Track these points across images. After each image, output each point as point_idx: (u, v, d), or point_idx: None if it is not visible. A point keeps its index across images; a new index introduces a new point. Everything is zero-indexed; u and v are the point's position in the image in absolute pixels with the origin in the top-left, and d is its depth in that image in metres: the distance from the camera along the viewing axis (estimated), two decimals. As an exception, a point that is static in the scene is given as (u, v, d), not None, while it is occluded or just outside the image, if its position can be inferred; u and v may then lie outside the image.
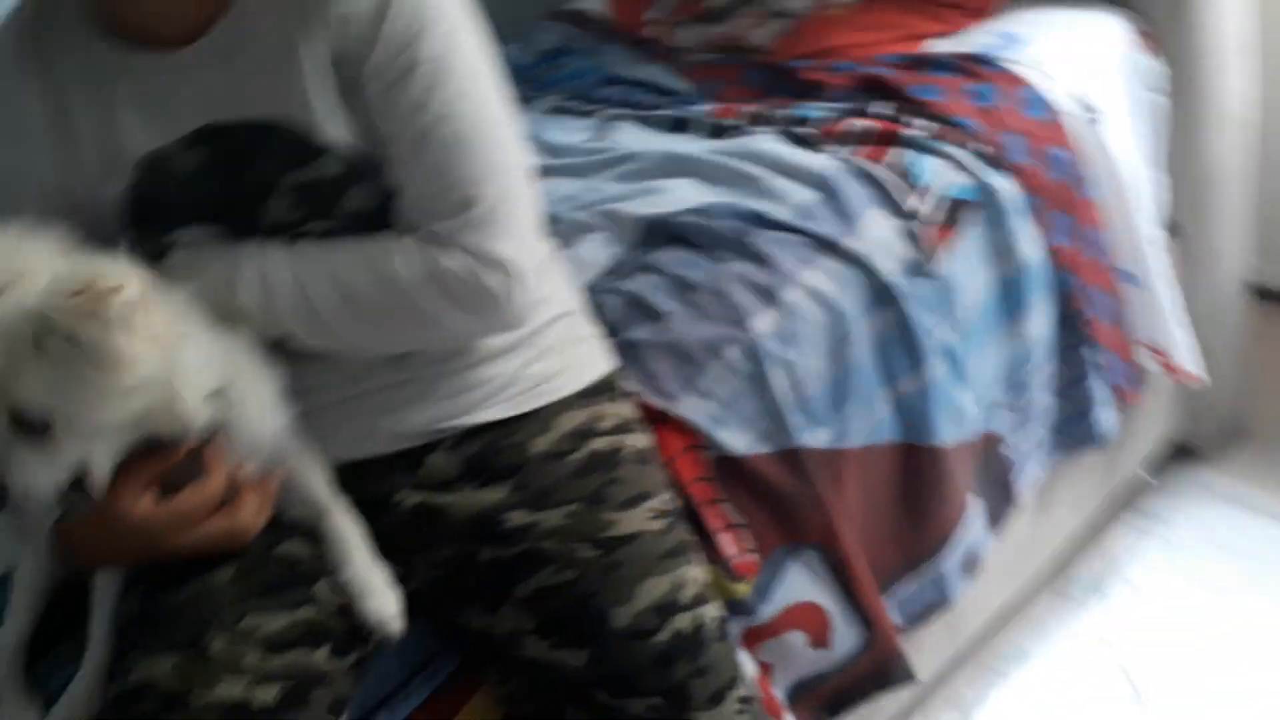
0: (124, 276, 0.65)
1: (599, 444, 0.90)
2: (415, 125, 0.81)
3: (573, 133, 1.48)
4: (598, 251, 1.21)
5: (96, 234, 0.82)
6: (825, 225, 1.15)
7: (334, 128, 0.82)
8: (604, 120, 1.49)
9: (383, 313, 0.84)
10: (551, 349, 0.93)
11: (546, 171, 1.29)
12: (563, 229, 1.22)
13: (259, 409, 0.82)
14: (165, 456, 0.75)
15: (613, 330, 1.06)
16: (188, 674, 0.75)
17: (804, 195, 1.19)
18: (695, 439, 1.00)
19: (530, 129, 1.20)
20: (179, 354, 0.70)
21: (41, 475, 0.66)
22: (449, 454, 0.90)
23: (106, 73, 0.84)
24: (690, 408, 1.02)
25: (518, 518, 0.86)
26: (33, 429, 0.65)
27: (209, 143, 0.83)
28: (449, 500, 0.89)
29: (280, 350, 0.85)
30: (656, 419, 0.99)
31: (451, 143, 0.81)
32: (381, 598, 0.82)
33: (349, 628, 0.82)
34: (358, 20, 0.80)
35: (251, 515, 0.82)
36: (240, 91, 0.83)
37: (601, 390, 0.95)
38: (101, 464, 0.70)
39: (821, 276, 1.11)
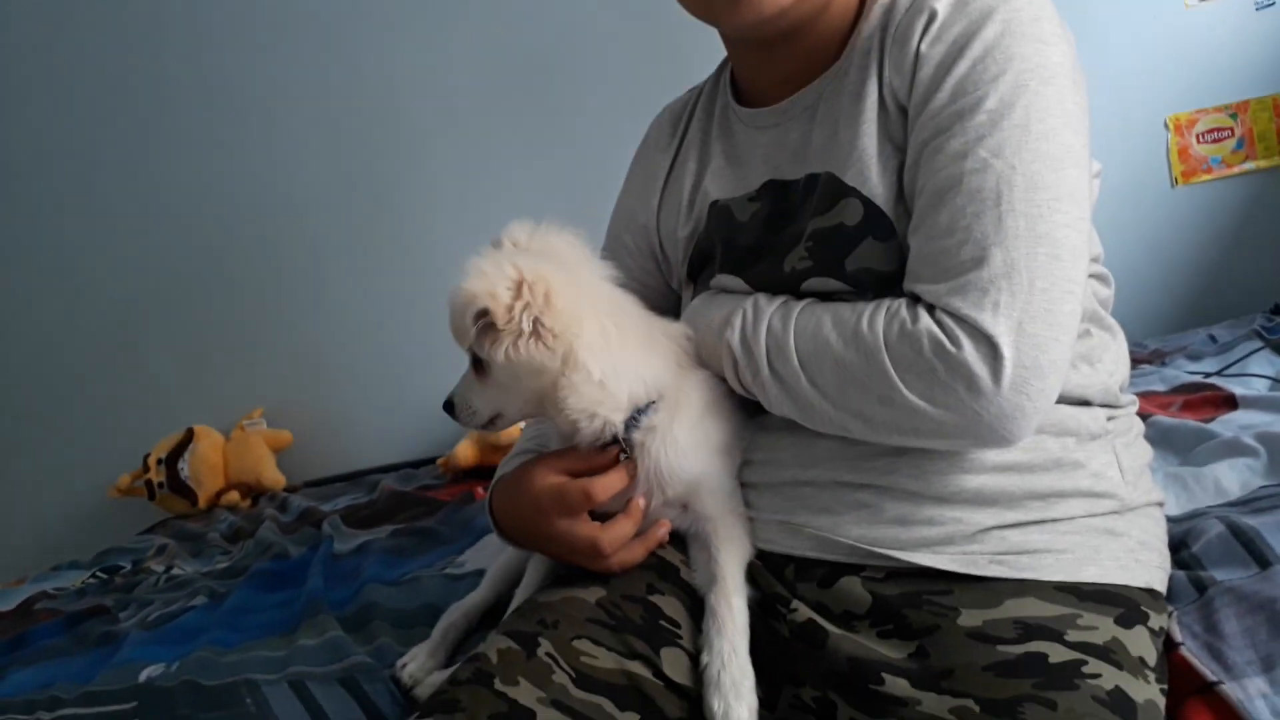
0: (548, 280, 0.76)
1: (1056, 653, 0.68)
2: (947, 175, 0.70)
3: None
4: (1231, 477, 0.96)
5: (671, 272, 0.98)
6: None
7: (868, 172, 0.76)
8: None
9: (842, 374, 0.73)
10: (1059, 523, 0.74)
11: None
12: (1211, 447, 1.01)
13: (682, 445, 0.81)
14: (589, 456, 0.83)
15: (1190, 562, 0.82)
16: (507, 661, 0.74)
17: None
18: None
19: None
20: (604, 356, 0.78)
21: (475, 402, 0.84)
22: (868, 584, 0.75)
23: (715, 131, 0.92)
24: (1256, 700, 0.73)
25: (898, 686, 0.70)
26: (479, 367, 0.82)
27: (768, 197, 0.85)
28: (839, 633, 0.75)
29: (749, 415, 0.85)
30: (1195, 689, 0.74)
31: (977, 195, 0.68)
32: (733, 699, 0.73)
33: (679, 712, 0.75)
34: (930, 61, 0.73)
35: (617, 541, 0.80)
36: (806, 147, 0.81)
37: (1108, 600, 0.72)
38: (510, 414, 0.84)
39: None
